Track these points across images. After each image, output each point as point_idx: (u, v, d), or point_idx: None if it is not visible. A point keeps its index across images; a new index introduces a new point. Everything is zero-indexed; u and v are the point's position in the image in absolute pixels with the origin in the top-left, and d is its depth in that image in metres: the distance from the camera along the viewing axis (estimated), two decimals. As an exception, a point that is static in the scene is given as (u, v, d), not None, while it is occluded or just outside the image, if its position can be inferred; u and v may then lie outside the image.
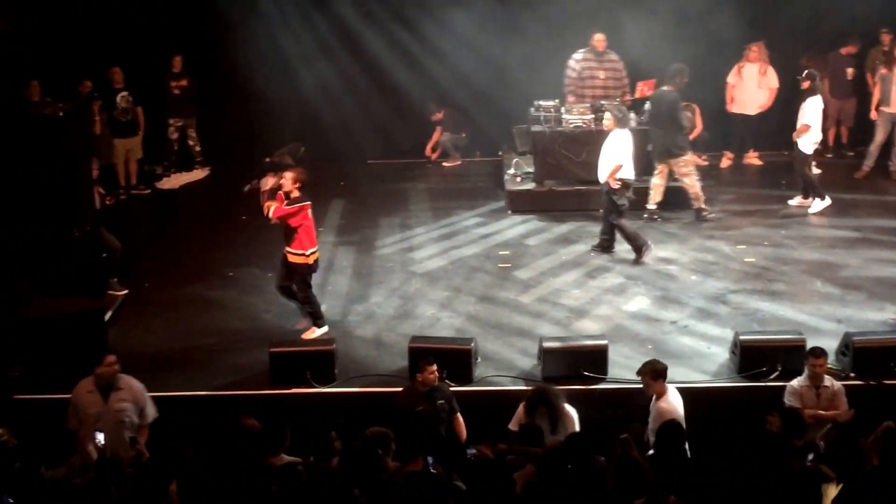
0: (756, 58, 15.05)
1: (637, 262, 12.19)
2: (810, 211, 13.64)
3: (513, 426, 8.54)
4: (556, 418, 8.45)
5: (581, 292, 11.59)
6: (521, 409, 8.61)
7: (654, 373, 8.61)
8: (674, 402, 8.54)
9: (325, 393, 9.66)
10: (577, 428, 8.43)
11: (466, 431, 8.85)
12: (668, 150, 13.27)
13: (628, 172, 12.16)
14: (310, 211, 10.45)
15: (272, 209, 10.26)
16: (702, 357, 10.12)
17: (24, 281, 10.75)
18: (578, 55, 14.65)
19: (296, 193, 10.31)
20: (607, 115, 12.40)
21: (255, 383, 9.85)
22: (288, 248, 10.43)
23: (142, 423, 8.60)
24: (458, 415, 8.92)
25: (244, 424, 8.13)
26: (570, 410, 8.57)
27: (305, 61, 16.01)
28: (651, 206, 13.54)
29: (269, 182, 10.42)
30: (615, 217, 12.24)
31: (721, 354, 10.09)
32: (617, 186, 12.05)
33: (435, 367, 8.84)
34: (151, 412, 8.68)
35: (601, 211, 12.60)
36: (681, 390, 9.41)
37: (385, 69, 16.22)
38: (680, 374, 9.73)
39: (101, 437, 8.07)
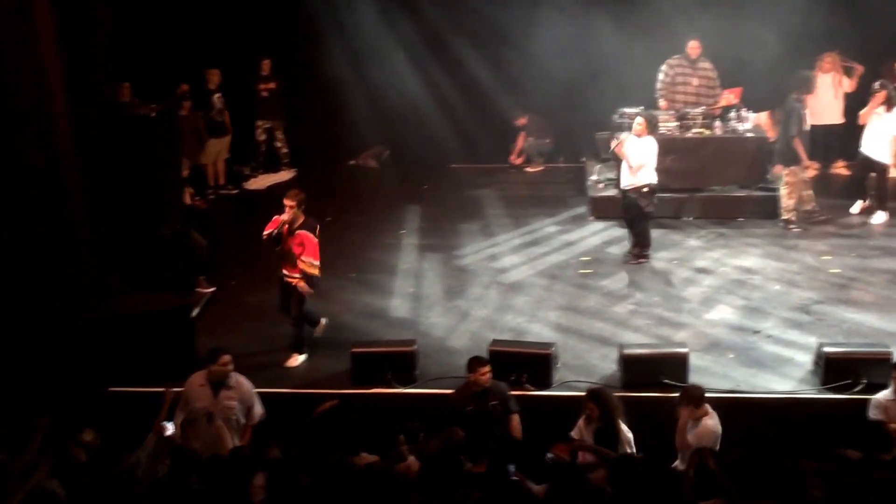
0: (829, 68, 14.78)
1: (627, 262, 12.47)
2: (872, 221, 13.51)
3: (574, 433, 8.46)
4: (612, 430, 8.26)
5: (663, 300, 11.55)
6: (581, 418, 8.57)
7: (698, 399, 8.43)
8: (717, 421, 8.42)
9: (405, 394, 9.76)
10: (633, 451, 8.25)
11: (544, 436, 8.78)
12: (783, 158, 13.31)
13: (653, 178, 12.22)
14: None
15: (304, 255, 10.19)
16: (785, 368, 10.00)
17: (116, 278, 11.02)
18: (672, 61, 14.58)
19: (301, 218, 10.23)
20: (639, 119, 12.31)
21: (337, 383, 9.99)
22: (297, 276, 10.28)
23: (247, 423, 8.76)
24: (515, 416, 8.85)
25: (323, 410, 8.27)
26: (627, 432, 8.33)
27: (391, 65, 16.15)
28: (807, 207, 13.56)
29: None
30: (643, 221, 12.39)
31: (804, 366, 9.96)
32: (645, 191, 12.19)
33: (488, 367, 8.82)
34: (258, 412, 8.84)
35: (627, 218, 12.62)
36: (762, 401, 9.41)
37: (470, 74, 16.27)
38: (762, 385, 9.70)
39: (170, 427, 8.26)
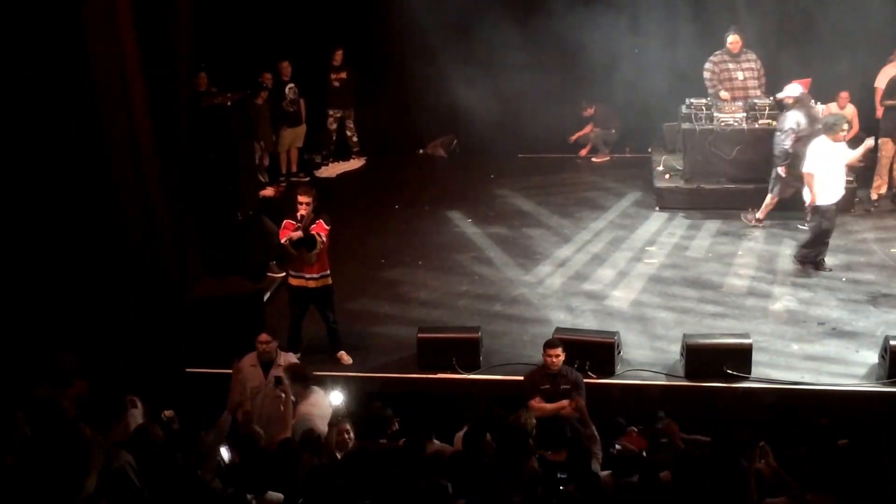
0: None
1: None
2: None
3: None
4: None
5: (727, 290, 11.56)
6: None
7: (303, 378, 8.62)
8: (315, 411, 8.45)
9: (470, 379, 9.91)
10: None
11: (609, 424, 8.84)
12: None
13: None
14: None
15: (318, 234, 9.74)
16: (849, 361, 9.96)
17: (193, 263, 11.30)
18: (715, 57, 14.32)
19: (312, 216, 9.78)
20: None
21: (403, 367, 10.18)
22: (315, 276, 9.97)
23: (297, 402, 8.85)
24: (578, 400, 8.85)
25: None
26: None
27: (460, 55, 16.24)
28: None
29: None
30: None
31: (870, 359, 9.91)
32: None
33: (558, 350, 8.98)
34: None
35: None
36: (825, 393, 9.38)
37: (539, 63, 16.30)
38: (826, 377, 9.68)
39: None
